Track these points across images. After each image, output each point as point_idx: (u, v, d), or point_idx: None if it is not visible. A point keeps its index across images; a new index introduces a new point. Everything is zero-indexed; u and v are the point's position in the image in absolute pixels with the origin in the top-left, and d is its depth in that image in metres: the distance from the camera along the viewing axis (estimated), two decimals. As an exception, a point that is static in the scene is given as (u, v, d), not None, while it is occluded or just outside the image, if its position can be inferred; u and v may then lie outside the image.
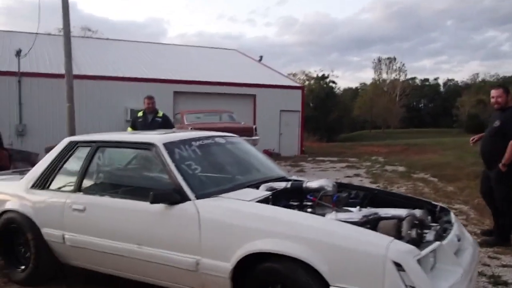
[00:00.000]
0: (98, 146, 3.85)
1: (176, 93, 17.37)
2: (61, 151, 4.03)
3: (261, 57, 23.53)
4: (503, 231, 4.97)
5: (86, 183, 3.81)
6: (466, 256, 2.97)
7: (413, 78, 73.55)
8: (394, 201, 3.57)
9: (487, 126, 5.23)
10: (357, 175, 11.23)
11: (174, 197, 3.14)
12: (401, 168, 12.33)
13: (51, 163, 4.01)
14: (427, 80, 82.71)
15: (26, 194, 3.99)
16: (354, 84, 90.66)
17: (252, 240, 2.80)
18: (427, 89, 79.24)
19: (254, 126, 11.72)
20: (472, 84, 78.97)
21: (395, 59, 62.18)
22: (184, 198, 3.13)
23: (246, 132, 11.24)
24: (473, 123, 56.05)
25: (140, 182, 3.71)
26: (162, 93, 15.86)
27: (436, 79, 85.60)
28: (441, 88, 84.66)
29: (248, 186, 3.48)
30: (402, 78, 61.90)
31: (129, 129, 7.32)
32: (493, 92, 5.03)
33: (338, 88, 54.25)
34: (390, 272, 2.41)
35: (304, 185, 3.51)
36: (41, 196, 3.91)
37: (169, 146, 3.49)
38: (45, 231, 3.81)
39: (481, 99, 63.30)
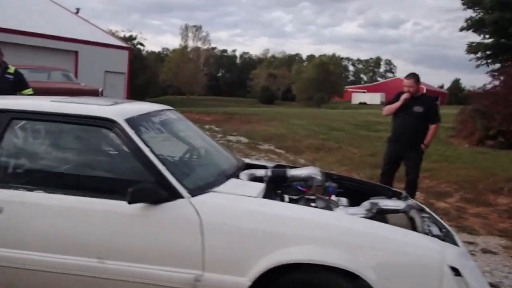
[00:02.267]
0: (11, 118, 2.69)
1: (-23, 41, 14.34)
2: None
3: (78, 9, 21.19)
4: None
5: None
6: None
7: (214, 48, 76.08)
8: (363, 188, 3.33)
9: (403, 111, 5.52)
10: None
11: (160, 194, 2.40)
12: (243, 139, 12.68)
13: None
14: (225, 51, 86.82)
15: None
16: (155, 48, 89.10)
17: (279, 248, 2.30)
18: (225, 59, 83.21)
19: (100, 89, 10.33)
20: (264, 58, 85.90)
21: (201, 27, 63.37)
22: (174, 195, 2.43)
23: (92, 95, 9.94)
24: (266, 94, 61.53)
25: (93, 171, 2.83)
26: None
27: (234, 51, 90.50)
28: (238, 60, 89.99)
29: (229, 176, 2.91)
30: (206, 47, 63.41)
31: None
32: (406, 82, 5.51)
33: (145, 51, 52.63)
34: (448, 278, 2.20)
35: (288, 173, 3.15)
36: None
37: (133, 123, 2.65)
38: None
39: (272, 73, 69.75)
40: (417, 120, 5.49)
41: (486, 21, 21.43)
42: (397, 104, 5.56)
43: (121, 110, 2.78)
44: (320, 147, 10.92)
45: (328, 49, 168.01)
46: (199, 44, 61.88)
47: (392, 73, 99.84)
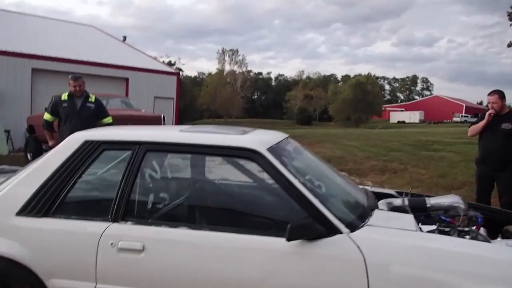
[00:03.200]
0: (146, 150, 2.52)
1: (34, 70, 14.76)
2: (73, 156, 2.55)
3: (124, 37, 21.53)
4: None
5: (135, 206, 2.51)
6: None
7: (249, 71, 76.77)
8: (492, 216, 2.99)
9: (490, 129, 5.22)
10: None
11: (318, 230, 2.18)
12: None
13: (54, 175, 2.51)
14: (260, 73, 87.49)
15: (10, 226, 2.48)
16: (191, 73, 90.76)
17: None
18: (260, 82, 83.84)
19: (162, 115, 10.31)
20: (299, 80, 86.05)
21: (237, 51, 64.22)
22: (332, 231, 2.19)
23: (154, 122, 9.90)
24: (303, 116, 61.46)
25: (239, 206, 2.66)
26: (18, 70, 13.35)
27: (269, 73, 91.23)
28: (273, 82, 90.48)
29: (372, 207, 2.65)
30: (242, 70, 64.10)
31: (48, 116, 5.69)
32: (489, 98, 5.18)
33: (182, 76, 53.52)
34: None
35: (428, 202, 2.87)
36: (43, 228, 2.44)
37: (274, 152, 2.45)
38: (56, 284, 2.40)
39: (307, 94, 69.70)
40: (506, 138, 5.12)
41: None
42: (482, 123, 5.21)
43: (259, 139, 2.58)
44: (384, 168, 10.52)
45: (361, 69, 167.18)
46: (235, 67, 62.60)
47: (429, 90, 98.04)
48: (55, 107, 5.61)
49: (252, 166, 2.44)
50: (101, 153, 2.56)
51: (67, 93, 5.66)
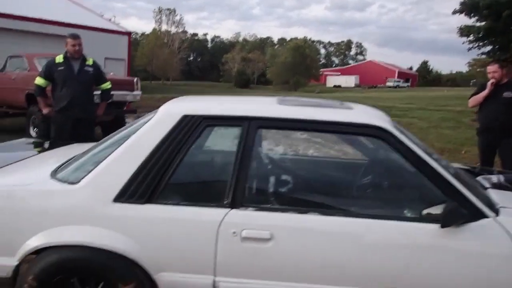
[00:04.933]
0: (258, 126, 2.23)
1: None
2: (172, 133, 2.20)
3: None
4: None
5: (254, 190, 2.23)
6: None
7: (184, 32, 74.55)
8: None
9: (491, 99, 5.33)
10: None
11: (465, 215, 2.04)
12: None
13: (153, 155, 2.18)
14: (196, 35, 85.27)
15: (108, 214, 2.14)
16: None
17: None
18: (196, 43, 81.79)
19: (135, 79, 9.63)
20: (236, 42, 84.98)
21: (175, 11, 61.78)
22: (477, 215, 2.07)
23: (127, 86, 9.23)
24: (241, 79, 61.04)
25: (367, 188, 2.44)
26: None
27: (205, 34, 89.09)
28: (209, 44, 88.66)
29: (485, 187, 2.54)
30: (180, 30, 61.98)
31: (41, 80, 5.07)
32: (490, 68, 5.29)
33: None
34: None
35: None
36: (148, 216, 2.13)
37: (399, 129, 2.26)
38: (166, 278, 2.15)
39: (245, 57, 69.14)
40: (508, 106, 5.28)
41: (480, 5, 21.51)
42: (484, 93, 5.33)
43: (380, 116, 2.39)
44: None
45: (296, 32, 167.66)
46: (172, 28, 60.35)
47: (363, 55, 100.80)
48: (49, 71, 5.01)
49: (368, 144, 2.23)
50: (203, 130, 2.24)
51: (62, 55, 5.07)
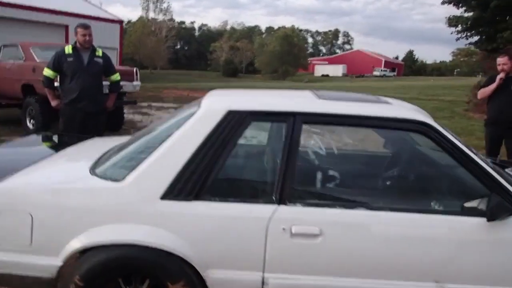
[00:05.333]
0: (303, 122, 2.21)
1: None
2: (217, 129, 2.18)
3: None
4: None
5: (301, 186, 2.24)
6: None
7: (172, 20, 73.75)
8: None
9: (500, 91, 5.39)
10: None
11: (510, 207, 2.08)
12: None
13: (199, 151, 2.15)
14: (183, 23, 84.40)
15: (156, 211, 2.12)
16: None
17: None
18: (183, 32, 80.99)
19: (135, 69, 9.47)
20: (223, 31, 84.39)
21: (162, -2, 60.81)
22: None
23: (127, 76, 9.06)
24: (229, 68, 60.65)
25: (413, 182, 2.44)
26: None
27: (192, 23, 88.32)
28: (196, 32, 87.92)
29: None
30: (167, 18, 61.24)
31: (49, 72, 4.95)
32: (499, 60, 5.32)
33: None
34: None
35: None
36: (196, 212, 2.12)
37: (441, 125, 2.29)
38: (215, 275, 2.13)
39: (233, 46, 68.73)
40: None
41: (468, -6, 21.63)
42: (492, 86, 5.37)
43: (420, 111, 2.41)
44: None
45: (282, 21, 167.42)
46: (160, 16, 59.61)
47: (350, 44, 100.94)
48: (58, 62, 4.91)
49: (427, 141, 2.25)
50: (248, 125, 2.23)
51: (70, 46, 4.98)
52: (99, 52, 5.09)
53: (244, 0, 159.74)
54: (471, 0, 21.86)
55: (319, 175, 2.29)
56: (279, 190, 2.14)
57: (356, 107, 2.31)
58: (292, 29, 66.90)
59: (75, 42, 4.97)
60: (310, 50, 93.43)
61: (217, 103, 2.34)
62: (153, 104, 14.74)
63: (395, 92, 20.84)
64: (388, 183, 2.46)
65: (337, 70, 67.94)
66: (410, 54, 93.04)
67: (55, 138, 4.31)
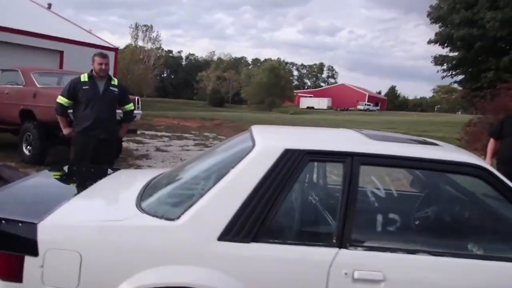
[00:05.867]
0: (361, 163, 2.18)
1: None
2: (275, 168, 2.12)
3: (49, 4, 19.35)
4: None
5: (361, 229, 2.19)
6: None
7: (159, 48, 74.24)
8: None
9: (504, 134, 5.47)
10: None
11: None
12: None
13: (257, 191, 2.08)
14: (170, 51, 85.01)
15: (213, 253, 2.03)
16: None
17: None
18: (170, 60, 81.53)
19: (136, 98, 9.38)
20: (210, 60, 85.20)
21: (152, 27, 61.54)
22: None
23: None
24: (216, 97, 61.08)
25: (476, 227, 2.41)
26: None
27: (179, 52, 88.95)
28: (183, 61, 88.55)
29: None
30: (156, 47, 61.67)
31: (63, 99, 4.85)
32: None
33: (92, 49, 50.09)
34: None
35: None
36: (256, 255, 2.04)
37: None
38: None
39: (220, 76, 69.34)
40: None
41: (454, 36, 22.34)
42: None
43: (471, 154, 2.40)
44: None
45: (268, 53, 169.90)
46: (149, 44, 60.00)
47: (334, 78, 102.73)
48: (73, 90, 4.83)
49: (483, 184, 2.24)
50: (306, 165, 2.18)
51: (86, 74, 4.92)
52: (115, 81, 5.04)
53: (231, 31, 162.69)
54: (457, 40, 22.66)
55: (379, 218, 2.24)
56: (340, 233, 2.08)
57: (413, 149, 2.29)
58: (279, 61, 67.92)
59: (91, 71, 4.92)
60: (296, 82, 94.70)
61: (272, 141, 2.30)
62: (146, 132, 14.62)
63: (383, 126, 21.11)
64: (446, 226, 2.41)
65: (322, 103, 68.81)
66: (392, 89, 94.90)
67: (70, 170, 4.09)
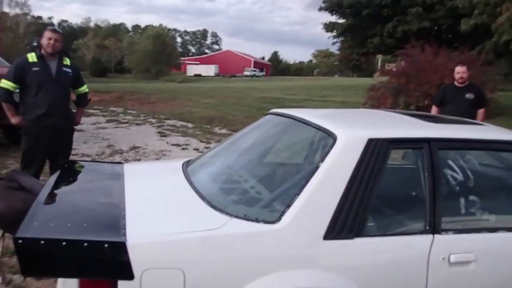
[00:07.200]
0: (438, 148, 2.20)
1: None
2: (363, 159, 2.06)
3: None
4: None
5: (448, 213, 2.21)
6: None
7: (27, 14, 67.12)
8: None
9: (447, 102, 6.01)
10: (187, 142, 8.84)
11: None
12: (183, 123, 11.67)
13: (351, 186, 2.01)
14: (40, 18, 77.41)
15: (322, 253, 1.95)
16: None
17: None
18: (41, 28, 74.27)
19: None
20: (86, 28, 79.53)
21: (18, -9, 54.83)
22: None
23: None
24: (97, 67, 57.41)
25: None
26: None
27: (50, 18, 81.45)
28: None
29: None
30: (25, 12, 55.49)
31: (9, 84, 4.16)
32: (459, 69, 5.94)
33: None
34: None
35: None
36: (363, 250, 2.01)
37: None
38: None
39: (100, 44, 65.18)
40: (469, 106, 6.02)
41: (343, 4, 23.53)
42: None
43: None
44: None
45: (147, 19, 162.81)
46: (17, 10, 53.71)
47: (218, 45, 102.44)
48: (20, 72, 4.18)
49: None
50: (389, 153, 2.17)
51: (34, 54, 4.29)
52: (67, 61, 4.49)
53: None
54: (346, 8, 23.91)
55: (462, 200, 2.32)
56: (431, 219, 2.12)
57: (480, 132, 2.42)
58: (162, 28, 65.63)
59: (40, 49, 4.29)
60: (180, 49, 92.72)
61: (354, 130, 2.23)
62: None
63: (284, 93, 21.69)
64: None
65: (209, 70, 68.39)
66: (275, 54, 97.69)
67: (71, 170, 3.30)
